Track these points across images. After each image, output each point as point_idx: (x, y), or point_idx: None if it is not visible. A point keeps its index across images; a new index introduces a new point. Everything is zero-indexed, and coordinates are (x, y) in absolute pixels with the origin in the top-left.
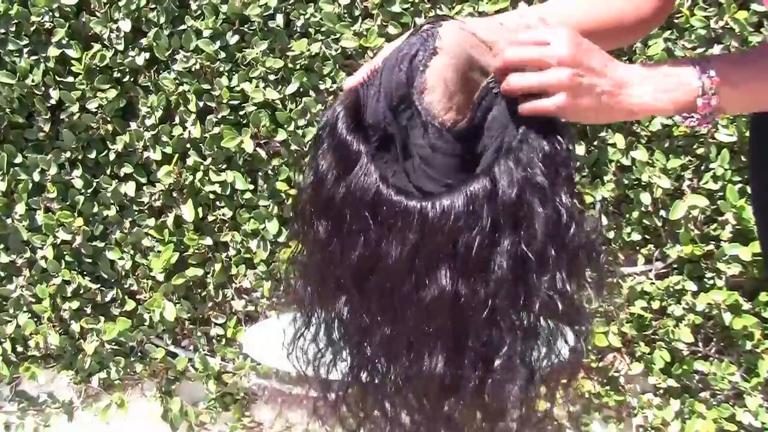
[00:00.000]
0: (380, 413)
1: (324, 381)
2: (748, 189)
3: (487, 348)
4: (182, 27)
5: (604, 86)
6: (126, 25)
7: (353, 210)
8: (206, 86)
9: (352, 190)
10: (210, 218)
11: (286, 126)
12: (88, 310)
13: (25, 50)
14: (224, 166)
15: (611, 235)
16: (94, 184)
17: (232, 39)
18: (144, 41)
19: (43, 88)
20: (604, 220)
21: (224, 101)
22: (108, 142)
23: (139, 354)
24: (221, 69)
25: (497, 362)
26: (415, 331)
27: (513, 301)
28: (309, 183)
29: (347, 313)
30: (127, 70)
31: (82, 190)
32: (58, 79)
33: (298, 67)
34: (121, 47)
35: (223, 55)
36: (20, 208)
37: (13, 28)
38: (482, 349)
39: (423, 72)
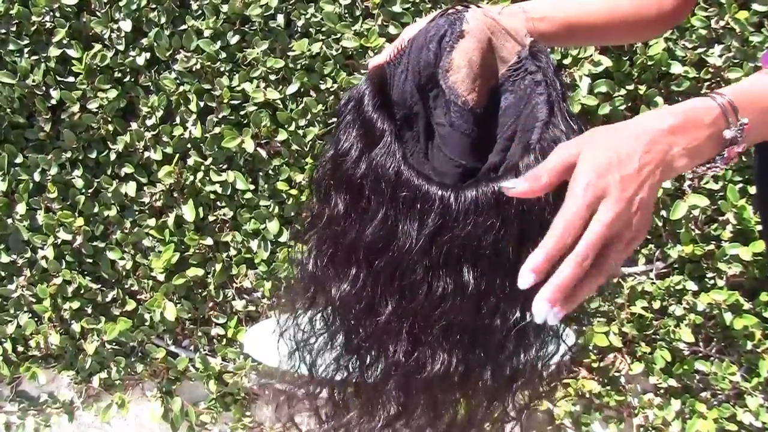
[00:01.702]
0: (361, 406)
1: (310, 371)
2: (749, 189)
3: (492, 348)
4: (183, 27)
5: (644, 182)
6: (126, 25)
7: (373, 186)
8: (207, 86)
9: (374, 167)
10: (211, 218)
11: (286, 126)
12: (89, 310)
13: (26, 50)
14: (225, 166)
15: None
16: (95, 184)
17: (233, 39)
18: (145, 41)
19: (43, 88)
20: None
21: (225, 101)
22: (109, 142)
23: (140, 354)
24: (222, 69)
25: (500, 361)
26: (419, 321)
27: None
28: (329, 156)
29: (354, 289)
30: (128, 70)
31: (83, 190)
32: (58, 79)
33: (298, 67)
34: (121, 47)
35: (223, 55)
36: (21, 208)
37: (13, 28)
38: (487, 349)
39: (450, 53)
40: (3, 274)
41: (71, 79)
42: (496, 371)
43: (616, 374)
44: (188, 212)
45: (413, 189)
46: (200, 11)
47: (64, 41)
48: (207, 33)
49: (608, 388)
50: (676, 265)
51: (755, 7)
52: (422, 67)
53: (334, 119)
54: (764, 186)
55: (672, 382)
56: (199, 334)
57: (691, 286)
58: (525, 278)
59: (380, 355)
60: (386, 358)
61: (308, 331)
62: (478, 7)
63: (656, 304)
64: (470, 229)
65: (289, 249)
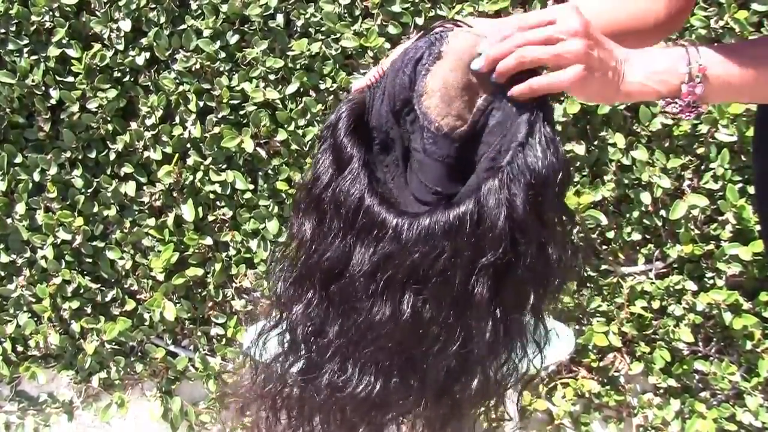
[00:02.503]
0: (307, 420)
1: (267, 382)
2: (749, 189)
3: (428, 374)
4: (182, 27)
5: (609, 62)
6: (126, 25)
7: (335, 212)
8: (206, 86)
9: (338, 193)
10: (210, 218)
11: (286, 126)
12: (89, 310)
13: (26, 50)
14: (224, 166)
15: (611, 234)
16: (95, 183)
17: (233, 39)
18: (144, 41)
19: (43, 88)
20: (605, 220)
21: (224, 101)
22: (108, 142)
23: (140, 354)
24: (221, 69)
25: (435, 386)
26: (353, 343)
27: (480, 334)
28: (308, 180)
29: (306, 311)
30: (128, 69)
31: (83, 190)
32: (58, 78)
33: (298, 66)
34: (121, 47)
35: (223, 54)
36: (20, 208)
37: (13, 28)
38: (421, 375)
39: (425, 76)
40: (2, 273)
41: (71, 78)
42: (428, 396)
43: (616, 374)
44: (188, 212)
45: (371, 216)
46: (200, 11)
47: (64, 41)
48: (206, 33)
49: (608, 387)
50: (675, 265)
51: (755, 6)
52: (397, 92)
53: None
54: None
55: (671, 382)
56: (199, 333)
57: (691, 285)
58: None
59: (318, 373)
60: (320, 376)
61: (274, 345)
62: (468, 25)
63: (656, 304)
64: (418, 257)
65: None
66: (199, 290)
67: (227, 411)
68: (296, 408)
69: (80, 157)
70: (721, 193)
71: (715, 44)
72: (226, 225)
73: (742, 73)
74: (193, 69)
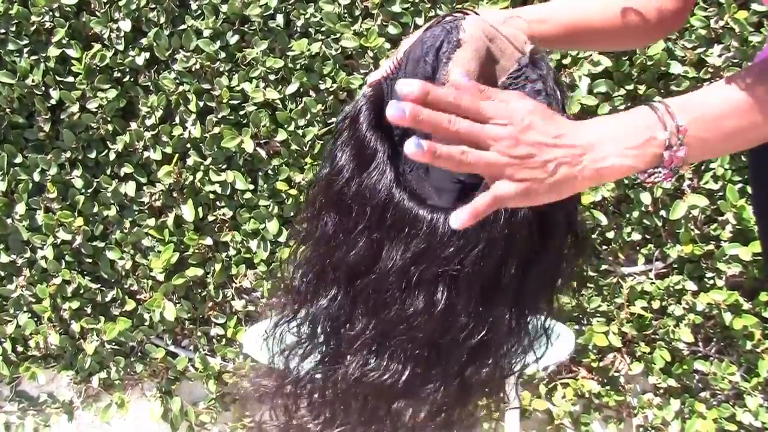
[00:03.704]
0: (329, 411)
1: (285, 372)
2: (748, 189)
3: (450, 363)
4: (182, 27)
5: (560, 158)
6: (126, 25)
7: (361, 208)
8: (206, 86)
9: (364, 189)
10: (210, 218)
11: (286, 126)
12: (89, 310)
13: (26, 50)
14: (224, 166)
15: (611, 234)
16: (95, 184)
17: (232, 39)
18: (144, 41)
19: (43, 88)
20: (605, 220)
21: (224, 101)
22: (108, 142)
23: (140, 354)
24: (221, 69)
25: (455, 374)
26: (385, 336)
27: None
28: (324, 174)
29: (330, 308)
30: (128, 69)
31: (83, 190)
32: (58, 79)
33: (298, 66)
34: (121, 47)
35: (223, 54)
36: (20, 208)
37: (13, 28)
38: (444, 364)
39: (446, 64)
40: (3, 274)
41: (71, 79)
42: (449, 384)
43: (616, 374)
44: (188, 212)
45: (403, 212)
46: (200, 11)
47: (64, 41)
48: (206, 33)
49: (608, 388)
50: (675, 265)
51: (754, 6)
52: None
53: (334, 119)
54: (760, 186)
55: (671, 382)
56: (199, 333)
57: (691, 286)
58: (394, 109)
59: (341, 362)
60: (345, 366)
61: (293, 335)
62: (476, 13)
63: (656, 304)
64: (453, 250)
65: (286, 249)
66: (199, 290)
67: (231, 409)
68: (317, 395)
69: (80, 157)
70: (721, 194)
71: (683, 97)
72: (226, 225)
73: (724, 123)
74: (193, 69)
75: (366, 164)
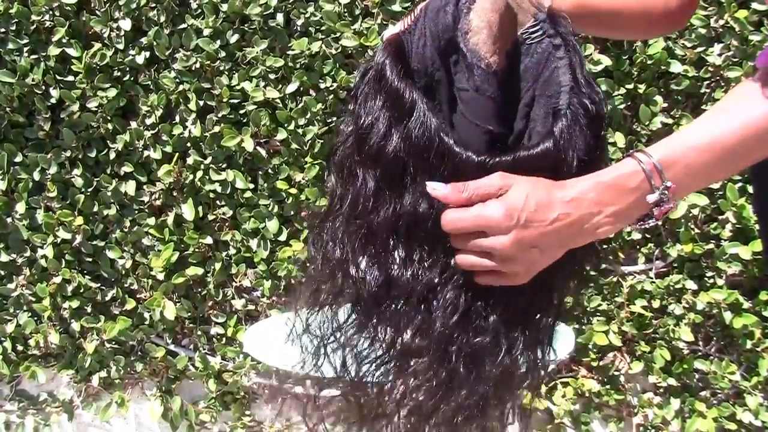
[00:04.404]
0: (367, 409)
1: (319, 378)
2: (749, 188)
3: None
4: (182, 26)
5: (562, 238)
6: (126, 24)
7: (414, 158)
8: (206, 85)
9: (409, 140)
10: (210, 217)
11: (286, 125)
12: (89, 309)
13: (26, 49)
14: (224, 165)
15: (611, 234)
16: (95, 183)
17: (233, 38)
18: (144, 40)
19: (43, 87)
20: None
21: (224, 100)
22: (108, 141)
23: (140, 353)
24: (221, 68)
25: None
26: (460, 288)
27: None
28: (350, 134)
29: (403, 269)
30: (128, 68)
31: (83, 189)
32: (58, 78)
33: (298, 66)
34: (121, 46)
35: (223, 53)
36: (20, 207)
37: (13, 27)
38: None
39: (467, 14)
40: (2, 273)
41: (71, 78)
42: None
43: (616, 373)
44: (188, 211)
45: (454, 157)
46: (200, 10)
47: (64, 40)
48: (206, 32)
49: (608, 387)
50: (675, 264)
51: (755, 6)
52: (441, 31)
53: (334, 118)
54: (761, 184)
55: (671, 381)
56: (199, 333)
57: (691, 285)
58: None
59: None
60: (391, 340)
61: (335, 327)
62: None
63: (656, 303)
64: None
65: (287, 248)
66: (199, 289)
67: (231, 408)
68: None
69: (80, 156)
70: (721, 192)
71: (667, 141)
72: (226, 224)
73: (712, 171)
74: (193, 68)
75: (404, 114)
